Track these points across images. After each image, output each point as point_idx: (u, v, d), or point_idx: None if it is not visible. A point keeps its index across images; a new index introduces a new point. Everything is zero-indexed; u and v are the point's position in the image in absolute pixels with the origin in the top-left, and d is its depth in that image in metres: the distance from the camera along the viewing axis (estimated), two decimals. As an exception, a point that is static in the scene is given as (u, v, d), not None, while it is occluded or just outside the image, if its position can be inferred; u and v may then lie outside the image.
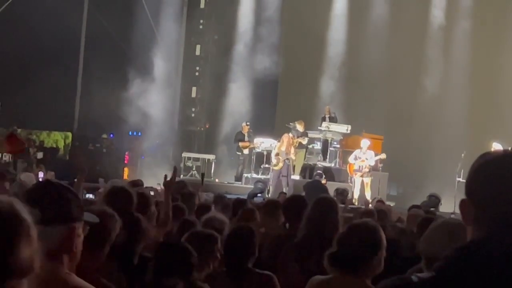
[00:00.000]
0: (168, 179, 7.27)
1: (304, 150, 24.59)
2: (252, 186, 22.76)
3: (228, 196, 12.65)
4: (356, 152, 22.84)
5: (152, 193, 11.07)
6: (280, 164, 22.53)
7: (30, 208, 2.71)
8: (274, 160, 22.77)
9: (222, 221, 6.73)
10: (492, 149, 19.88)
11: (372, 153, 22.76)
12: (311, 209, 6.57)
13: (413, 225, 7.94)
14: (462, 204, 2.21)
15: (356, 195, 22.05)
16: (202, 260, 5.06)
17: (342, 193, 18.25)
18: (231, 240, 5.70)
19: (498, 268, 2.03)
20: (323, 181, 21.16)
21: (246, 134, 25.35)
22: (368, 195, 21.65)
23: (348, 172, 23.26)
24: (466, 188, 2.22)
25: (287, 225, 7.66)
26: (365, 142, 22.90)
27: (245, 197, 15.17)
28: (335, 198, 7.89)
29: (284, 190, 20.95)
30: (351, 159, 22.92)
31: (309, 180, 21.90)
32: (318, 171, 22.62)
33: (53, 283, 2.77)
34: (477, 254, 2.08)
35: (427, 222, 5.69)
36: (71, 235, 2.84)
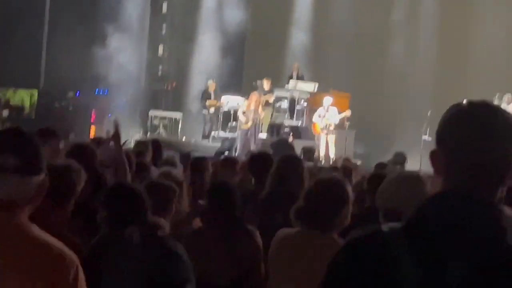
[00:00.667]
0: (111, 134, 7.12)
1: (271, 108, 24.45)
2: (219, 145, 22.62)
3: (196, 154, 12.55)
4: (320, 110, 22.77)
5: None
6: (249, 123, 22.51)
7: (6, 156, 2.71)
8: (242, 119, 22.73)
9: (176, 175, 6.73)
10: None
11: (336, 110, 22.65)
12: (277, 166, 6.62)
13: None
14: (433, 154, 2.20)
15: (322, 153, 22.00)
16: (158, 210, 4.99)
17: (309, 152, 18.27)
18: (218, 192, 5.72)
19: (468, 218, 2.04)
20: (290, 139, 21.11)
21: (212, 93, 25.23)
22: (332, 153, 21.68)
23: (313, 130, 23.22)
24: (436, 138, 2.21)
25: (252, 180, 7.66)
26: (327, 100, 22.82)
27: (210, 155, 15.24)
28: (301, 156, 7.93)
29: (251, 149, 20.84)
30: (315, 117, 22.86)
31: (276, 138, 21.86)
32: (286, 130, 22.58)
33: (13, 234, 2.72)
34: (447, 204, 2.08)
35: (377, 178, 5.73)
36: (42, 186, 2.79)
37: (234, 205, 5.71)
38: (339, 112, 22.72)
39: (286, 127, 23.57)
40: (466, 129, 2.13)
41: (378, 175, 6.33)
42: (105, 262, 4.39)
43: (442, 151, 2.17)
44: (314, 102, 24.82)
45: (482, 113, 2.16)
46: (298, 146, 18.41)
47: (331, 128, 22.44)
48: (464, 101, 2.20)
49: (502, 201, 2.15)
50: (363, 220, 5.69)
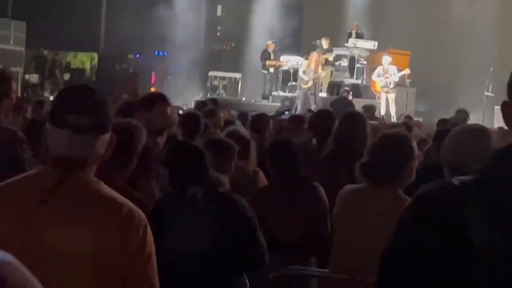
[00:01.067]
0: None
1: (331, 67, 24.34)
2: (279, 104, 22.63)
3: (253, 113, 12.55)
4: (379, 69, 22.64)
5: (180, 111, 11.07)
6: (310, 82, 22.45)
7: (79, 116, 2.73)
8: (304, 77, 22.66)
9: (243, 134, 6.77)
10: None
11: (395, 68, 22.48)
12: (339, 124, 6.58)
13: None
14: (504, 105, 2.12)
15: (382, 111, 21.89)
16: (218, 167, 5.00)
17: (370, 110, 18.13)
18: (279, 150, 5.73)
19: None
20: (350, 98, 20.97)
21: (272, 52, 25.16)
22: (393, 111, 21.55)
23: (373, 89, 23.04)
24: (508, 89, 2.09)
25: (314, 140, 7.61)
26: (386, 59, 22.65)
27: (272, 114, 15.21)
28: (362, 113, 7.86)
29: (312, 108, 20.81)
30: (374, 76, 22.78)
31: (336, 97, 21.77)
32: (345, 88, 22.38)
33: (87, 191, 2.76)
34: None
35: (443, 133, 5.62)
36: (110, 144, 2.82)
37: (296, 162, 5.71)
38: (399, 71, 22.48)
39: (346, 85, 23.42)
40: None
41: (444, 130, 6.21)
42: (169, 220, 4.41)
43: None
44: (373, 61, 24.65)
45: None
46: (359, 105, 18.33)
47: (391, 86, 22.22)
48: None
49: None
50: (428, 176, 5.70)
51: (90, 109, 2.74)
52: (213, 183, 4.65)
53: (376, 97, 22.88)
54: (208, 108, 10.33)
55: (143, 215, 2.77)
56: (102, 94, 2.84)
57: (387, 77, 22.26)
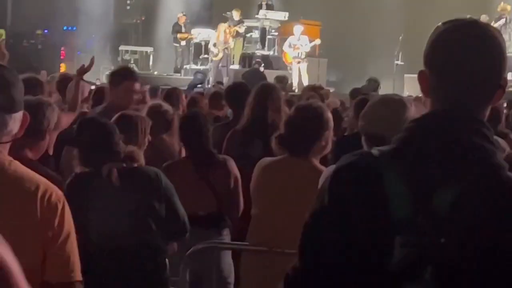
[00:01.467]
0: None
1: (242, 39, 24.25)
2: (192, 77, 22.51)
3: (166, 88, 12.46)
4: (290, 39, 22.59)
5: (92, 87, 10.90)
6: (220, 55, 22.47)
7: None
8: (214, 50, 22.58)
9: (166, 109, 6.63)
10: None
11: (307, 38, 22.50)
12: (253, 95, 6.53)
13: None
14: (421, 75, 2.15)
15: (295, 82, 21.89)
16: (131, 142, 4.93)
17: (282, 80, 18.16)
18: (188, 124, 5.70)
19: (457, 137, 2.00)
20: (262, 69, 21.05)
21: (182, 25, 24.99)
22: (306, 81, 21.50)
23: (284, 60, 23.09)
24: (425, 58, 2.14)
25: (230, 112, 7.61)
26: (298, 28, 22.58)
27: (184, 88, 15.16)
28: (276, 85, 7.84)
29: (223, 80, 20.95)
30: (285, 46, 22.73)
31: (248, 68, 21.79)
32: (257, 59, 22.49)
33: None
34: (436, 124, 2.04)
35: (362, 102, 5.66)
36: (23, 122, 2.73)
37: (204, 136, 5.68)
38: (310, 41, 22.56)
39: (258, 57, 23.44)
40: (454, 46, 2.08)
41: (363, 100, 6.31)
42: (86, 200, 4.35)
43: (430, 71, 2.11)
44: (284, 31, 24.63)
45: (470, 30, 2.10)
46: (271, 76, 18.34)
47: (302, 56, 22.30)
48: (452, 20, 2.15)
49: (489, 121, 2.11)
50: (342, 146, 5.80)
51: (6, 88, 2.66)
52: (126, 159, 4.58)
53: (288, 68, 22.88)
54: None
55: (60, 192, 2.73)
56: (12, 71, 2.75)
57: (297, 48, 22.28)
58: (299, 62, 22.29)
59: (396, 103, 3.86)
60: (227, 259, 5.57)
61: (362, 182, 2.00)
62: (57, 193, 2.72)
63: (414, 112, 3.77)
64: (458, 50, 2.07)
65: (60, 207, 2.70)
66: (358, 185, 2.00)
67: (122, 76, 6.60)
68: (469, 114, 2.05)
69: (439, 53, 2.11)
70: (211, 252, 5.38)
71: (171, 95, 9.20)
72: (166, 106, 6.69)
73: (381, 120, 3.76)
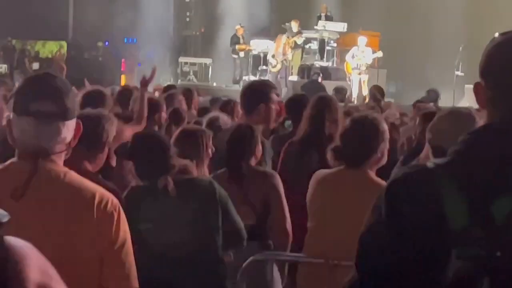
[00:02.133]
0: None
1: (301, 50, 24.29)
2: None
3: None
4: (354, 49, 22.55)
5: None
6: (278, 66, 22.50)
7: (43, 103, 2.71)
8: (273, 61, 22.59)
9: (226, 121, 6.69)
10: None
11: (370, 50, 22.53)
12: (311, 107, 6.52)
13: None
14: (477, 86, 2.13)
15: (354, 93, 21.87)
16: (193, 156, 4.98)
17: (341, 92, 18.11)
18: (230, 138, 5.64)
19: None
20: (320, 80, 21.07)
21: (241, 37, 25.13)
22: (365, 92, 21.34)
23: (346, 70, 23.04)
24: (480, 69, 2.13)
25: (289, 123, 7.54)
26: (362, 40, 22.59)
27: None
28: (334, 96, 7.86)
29: (282, 92, 20.77)
30: (348, 57, 22.68)
31: (307, 80, 21.76)
32: (316, 70, 22.49)
33: (56, 181, 2.75)
34: (492, 136, 2.04)
35: (431, 115, 5.59)
36: (77, 131, 2.81)
37: (244, 150, 5.59)
38: (373, 53, 22.53)
39: (317, 68, 23.41)
40: (508, 58, 2.06)
41: (429, 113, 6.19)
42: (143, 212, 4.40)
43: (486, 83, 2.10)
44: (344, 43, 24.72)
45: None
46: (330, 87, 18.35)
47: (364, 68, 22.23)
48: (509, 31, 2.13)
49: None
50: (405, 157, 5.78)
51: (53, 96, 2.73)
52: (180, 171, 4.61)
53: (347, 79, 22.85)
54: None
55: (116, 201, 2.76)
56: (65, 81, 2.82)
57: (359, 59, 22.23)
58: (360, 73, 22.23)
59: (464, 116, 3.88)
60: (275, 272, 5.52)
61: (418, 195, 2.00)
62: (113, 202, 2.76)
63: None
64: None
65: (116, 215, 2.74)
66: (414, 198, 2.00)
67: None
68: None
69: (495, 64, 2.09)
70: (262, 265, 5.36)
71: (227, 106, 9.22)
72: (224, 118, 6.73)
73: (449, 133, 3.74)
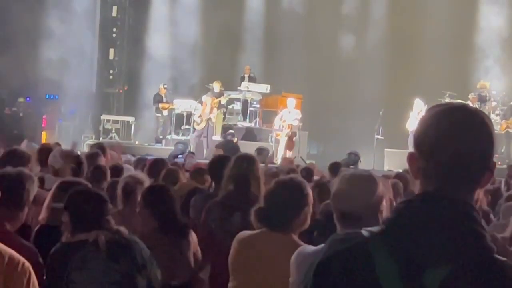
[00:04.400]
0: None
1: (223, 110, 24.46)
2: (173, 148, 22.52)
3: (149, 158, 12.51)
4: (283, 112, 22.68)
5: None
6: (202, 124, 22.49)
7: None
8: (197, 120, 22.78)
9: (139, 179, 6.71)
10: (414, 106, 20.16)
11: (299, 112, 22.65)
12: (232, 166, 6.52)
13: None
14: (410, 157, 2.17)
15: (279, 154, 21.98)
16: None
17: (262, 153, 18.30)
18: (156, 195, 5.76)
19: (447, 220, 2.03)
20: (235, 141, 21.23)
21: (164, 96, 25.22)
22: (289, 154, 21.62)
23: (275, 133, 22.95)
24: (414, 140, 2.17)
25: (212, 184, 7.60)
26: (291, 102, 22.75)
27: (165, 157, 15.15)
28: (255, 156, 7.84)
29: (204, 152, 21.42)
30: (277, 120, 22.72)
31: (221, 140, 22.01)
32: (230, 131, 22.56)
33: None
34: (426, 204, 2.07)
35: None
36: None
37: (172, 207, 5.76)
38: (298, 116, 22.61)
39: (232, 129, 23.59)
40: (444, 130, 2.11)
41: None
42: (70, 269, 4.38)
43: (420, 154, 2.15)
44: (266, 104, 25.11)
45: (460, 115, 2.13)
46: (252, 148, 18.46)
47: (287, 129, 22.31)
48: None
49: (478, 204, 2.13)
50: (321, 222, 5.81)
51: None
52: (112, 228, 4.64)
53: (269, 140, 23.07)
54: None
55: (27, 264, 2.74)
56: None
57: (284, 121, 22.35)
58: (286, 134, 22.27)
59: (366, 180, 3.83)
60: None
61: (352, 269, 2.02)
62: (24, 265, 2.74)
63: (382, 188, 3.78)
64: (448, 134, 2.10)
65: (25, 278, 2.72)
66: (348, 275, 2.02)
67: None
68: (458, 196, 2.07)
69: (429, 136, 2.12)
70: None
71: (157, 166, 9.35)
72: (142, 176, 6.83)
73: (352, 197, 3.73)
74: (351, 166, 18.84)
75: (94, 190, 4.87)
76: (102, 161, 9.06)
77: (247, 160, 6.61)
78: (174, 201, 5.82)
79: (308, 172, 10.85)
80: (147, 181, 6.69)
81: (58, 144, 12.61)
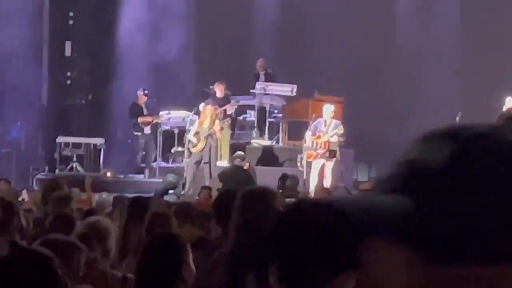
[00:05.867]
0: None
1: (229, 123, 24.21)
2: (161, 180, 22.63)
3: (129, 195, 12.62)
4: (318, 123, 22.50)
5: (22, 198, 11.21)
6: (200, 145, 22.52)
7: None
8: (193, 140, 22.71)
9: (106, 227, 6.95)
10: (506, 107, 19.99)
11: (339, 123, 22.43)
12: (236, 209, 6.53)
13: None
14: None
15: (312, 185, 21.75)
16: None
17: (288, 182, 18.19)
18: (148, 253, 5.90)
19: None
20: (246, 167, 21.27)
21: (144, 106, 25.10)
22: (328, 182, 21.55)
23: (305, 153, 22.57)
24: None
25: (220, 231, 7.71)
26: (328, 109, 22.53)
27: (150, 195, 15.59)
28: (276, 190, 7.77)
29: (207, 183, 20.98)
30: (308, 135, 22.51)
31: (226, 167, 22.03)
32: (238, 152, 22.42)
33: None
34: None
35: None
36: None
37: (171, 266, 5.86)
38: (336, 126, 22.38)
39: (255, 148, 23.70)
40: None
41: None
42: None
43: None
44: (292, 112, 25.01)
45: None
46: (274, 176, 18.73)
47: (323, 150, 22.13)
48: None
49: None
50: None
51: None
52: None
53: (298, 164, 23.01)
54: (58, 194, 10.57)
55: None
56: None
57: (318, 137, 22.12)
58: (318, 157, 22.14)
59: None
60: None
61: None
62: None
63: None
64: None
65: None
66: None
67: None
68: None
69: None
70: None
71: (136, 207, 9.43)
72: (104, 221, 7.14)
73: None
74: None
75: (33, 250, 5.13)
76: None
77: (261, 197, 6.57)
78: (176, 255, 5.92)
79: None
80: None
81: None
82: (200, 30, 28.35)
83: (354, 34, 26.77)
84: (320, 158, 22.14)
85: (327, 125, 22.29)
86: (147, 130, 25.10)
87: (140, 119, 25.00)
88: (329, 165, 22.18)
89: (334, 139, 22.22)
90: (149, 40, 27.57)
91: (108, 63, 27.82)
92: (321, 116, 22.55)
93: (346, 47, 26.64)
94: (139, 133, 25.20)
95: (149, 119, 25.00)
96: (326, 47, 26.51)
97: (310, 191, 21.10)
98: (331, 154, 22.18)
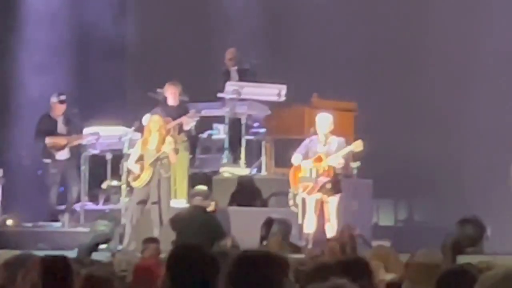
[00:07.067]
0: None
1: (187, 143, 24.03)
2: (88, 230, 22.13)
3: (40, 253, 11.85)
4: (310, 141, 21.74)
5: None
6: (145, 176, 21.87)
7: None
8: (134, 169, 22.01)
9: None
10: None
11: (342, 141, 21.57)
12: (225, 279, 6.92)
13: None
14: None
15: (310, 229, 21.07)
16: None
17: (275, 229, 17.89)
18: None
19: None
20: (211, 208, 21.64)
21: (60, 120, 24.50)
22: (333, 228, 20.77)
23: (291, 183, 22.12)
24: None
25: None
26: (324, 118, 21.74)
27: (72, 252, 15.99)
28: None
29: (155, 233, 21.51)
30: (296, 158, 21.74)
31: (179, 212, 22.42)
32: (200, 187, 22.86)
33: None
34: None
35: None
36: None
37: None
38: (345, 144, 21.65)
39: (226, 180, 23.29)
40: None
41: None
42: None
43: None
44: (280, 125, 24.58)
45: None
46: (257, 218, 18.80)
47: (326, 179, 21.27)
48: None
49: None
50: None
51: None
52: None
53: (292, 201, 22.08)
54: None
55: None
56: None
57: (319, 160, 21.36)
58: (318, 191, 21.29)
59: None
60: None
61: None
62: None
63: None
64: None
65: None
66: None
67: None
68: None
69: None
70: None
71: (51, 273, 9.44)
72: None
73: None
74: (469, 249, 17.91)
75: None
76: None
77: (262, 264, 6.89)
78: None
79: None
80: None
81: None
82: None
83: (373, 13, 27.04)
84: (318, 192, 21.35)
85: (326, 143, 21.57)
86: (62, 155, 24.55)
87: (51, 140, 24.30)
88: (333, 201, 21.47)
89: (340, 164, 21.52)
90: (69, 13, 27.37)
91: (5, 60, 27.19)
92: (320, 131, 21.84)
93: (362, 31, 26.99)
94: (48, 161, 24.64)
95: (61, 140, 24.28)
96: (331, 31, 26.82)
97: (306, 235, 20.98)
98: (336, 185, 21.48)
